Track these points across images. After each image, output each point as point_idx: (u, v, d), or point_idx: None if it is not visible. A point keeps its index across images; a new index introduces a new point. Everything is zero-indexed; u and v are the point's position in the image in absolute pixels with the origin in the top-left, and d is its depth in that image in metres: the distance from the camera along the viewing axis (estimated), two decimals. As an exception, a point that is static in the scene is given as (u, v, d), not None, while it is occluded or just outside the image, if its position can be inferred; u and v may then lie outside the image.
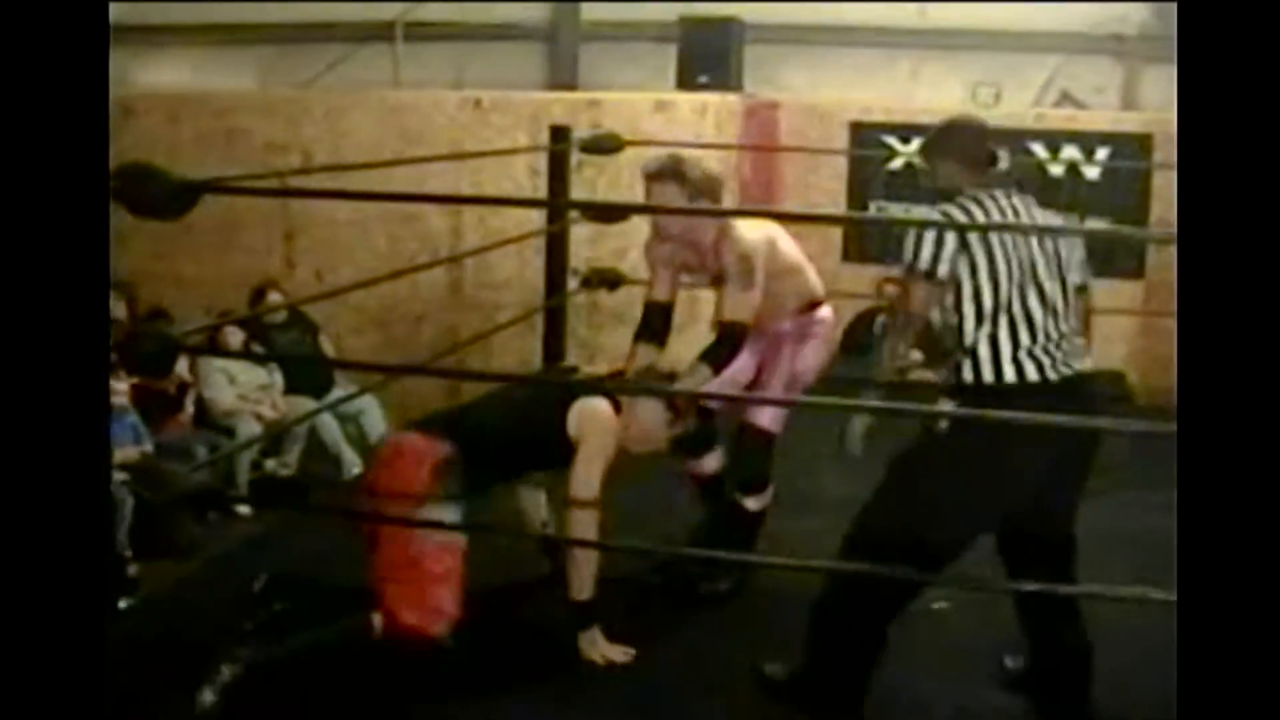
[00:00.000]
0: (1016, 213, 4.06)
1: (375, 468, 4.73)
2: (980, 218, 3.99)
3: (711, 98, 9.04)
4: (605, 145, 7.66)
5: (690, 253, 5.15)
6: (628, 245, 8.61)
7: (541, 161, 8.00)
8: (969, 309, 3.93)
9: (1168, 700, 2.39)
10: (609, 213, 7.33)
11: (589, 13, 11.23)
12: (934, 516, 3.89)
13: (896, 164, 9.74)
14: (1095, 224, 9.41)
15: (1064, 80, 10.61)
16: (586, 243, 8.30)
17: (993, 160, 4.12)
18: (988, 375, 3.93)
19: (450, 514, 4.47)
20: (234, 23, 11.75)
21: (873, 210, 9.80)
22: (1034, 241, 3.96)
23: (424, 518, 4.40)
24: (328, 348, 8.60)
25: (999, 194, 4.06)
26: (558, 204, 7.68)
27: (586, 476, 4.64)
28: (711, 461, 5.55)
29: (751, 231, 5.10)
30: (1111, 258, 9.49)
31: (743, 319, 5.01)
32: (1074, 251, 4.15)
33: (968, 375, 3.97)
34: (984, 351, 3.93)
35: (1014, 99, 10.26)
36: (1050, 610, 4.23)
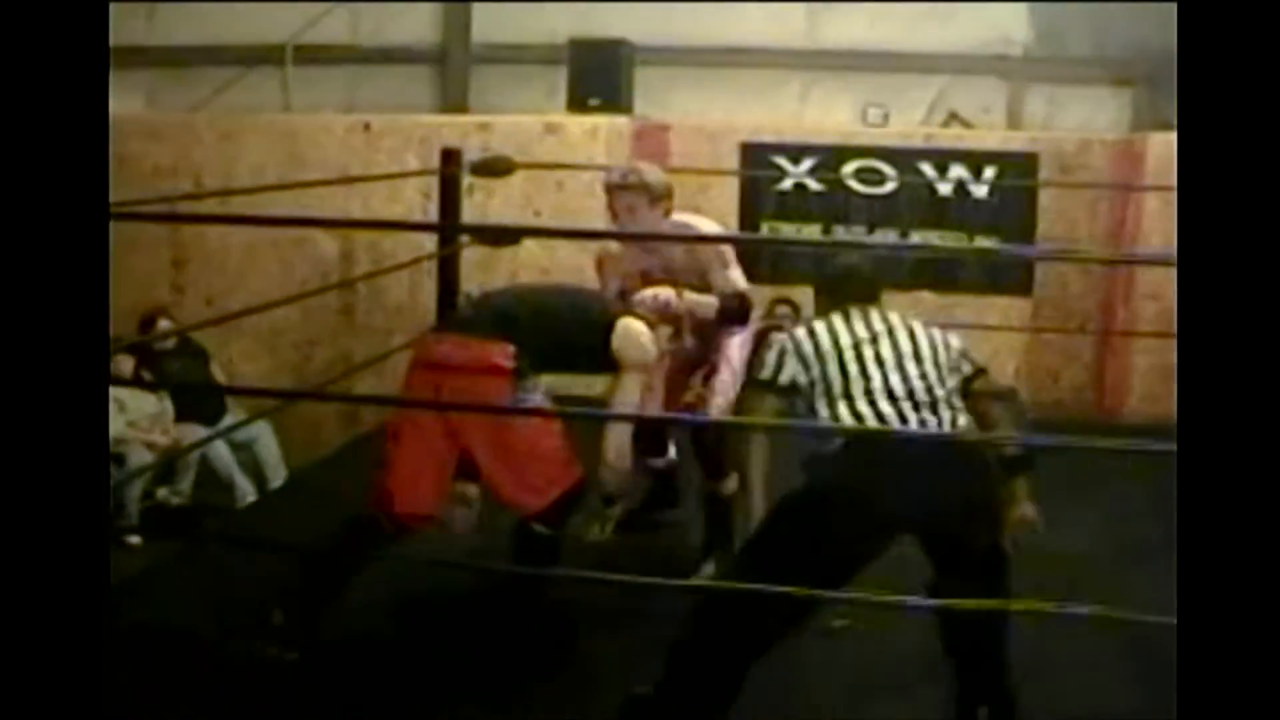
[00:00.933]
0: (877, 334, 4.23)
1: (441, 373, 4.73)
2: (825, 338, 4.21)
3: (602, 120, 9.07)
4: (496, 168, 7.67)
5: (654, 257, 5.30)
6: (519, 268, 8.62)
7: (432, 185, 7.99)
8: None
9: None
10: (501, 236, 7.33)
11: (479, 35, 11.20)
12: (813, 540, 3.97)
13: (787, 184, 9.81)
14: (984, 242, 9.52)
15: (951, 100, 10.74)
16: (478, 266, 8.29)
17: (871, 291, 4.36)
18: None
19: (539, 397, 4.72)
20: (122, 45, 11.61)
21: (764, 230, 9.84)
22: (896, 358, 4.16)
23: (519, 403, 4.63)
24: (219, 374, 8.54)
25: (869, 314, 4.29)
26: (449, 227, 7.67)
27: (626, 390, 4.81)
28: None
29: (705, 223, 5.52)
30: (1000, 275, 9.62)
31: (741, 289, 5.31)
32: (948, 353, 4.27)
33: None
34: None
35: (903, 119, 10.35)
36: (971, 626, 4.27)
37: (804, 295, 9.24)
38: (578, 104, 9.42)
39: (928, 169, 9.62)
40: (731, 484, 5.37)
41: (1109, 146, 9.37)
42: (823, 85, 10.82)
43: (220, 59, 11.34)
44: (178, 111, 11.07)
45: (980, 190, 9.57)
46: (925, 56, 10.66)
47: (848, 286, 4.36)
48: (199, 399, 8.15)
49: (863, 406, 4.07)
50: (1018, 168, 9.50)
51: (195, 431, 7.89)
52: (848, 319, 4.25)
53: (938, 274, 9.60)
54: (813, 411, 4.12)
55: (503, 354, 4.61)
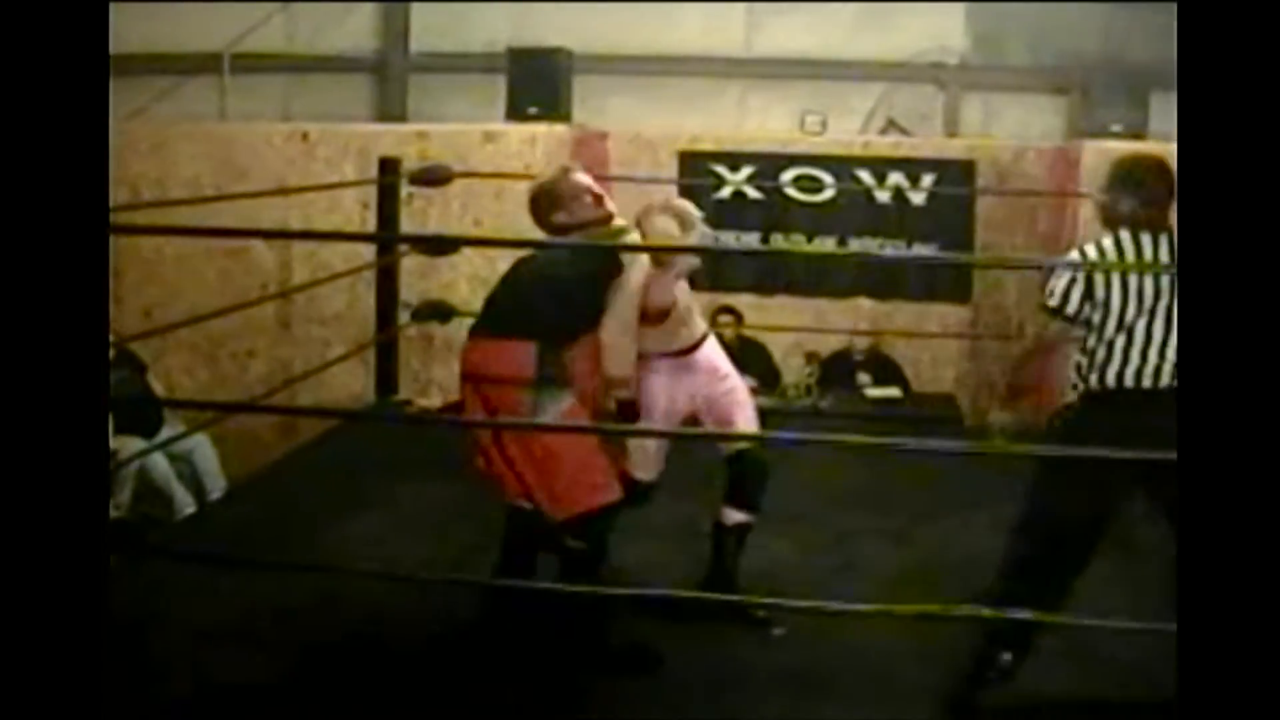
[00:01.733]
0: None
1: (477, 391, 4.67)
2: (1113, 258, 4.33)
3: (540, 128, 9.07)
4: (434, 177, 7.65)
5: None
6: (457, 278, 8.61)
7: (371, 194, 7.97)
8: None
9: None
10: (440, 245, 7.31)
11: (418, 44, 11.18)
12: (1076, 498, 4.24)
13: (725, 192, 9.82)
14: (922, 250, 9.55)
15: (889, 108, 10.80)
16: (417, 275, 8.28)
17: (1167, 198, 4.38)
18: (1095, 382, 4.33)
19: (566, 401, 4.58)
20: (55, 55, 11.54)
21: (702, 238, 9.84)
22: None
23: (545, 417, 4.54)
24: (157, 386, 8.47)
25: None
26: (388, 237, 7.65)
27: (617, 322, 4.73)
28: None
29: None
30: (939, 283, 9.66)
31: None
32: None
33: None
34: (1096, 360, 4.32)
35: (841, 127, 10.39)
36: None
37: (745, 303, 9.29)
38: (516, 113, 9.40)
39: (866, 176, 9.65)
40: (744, 515, 5.22)
41: (1045, 154, 9.44)
42: (761, 93, 10.86)
43: (156, 67, 11.26)
44: (114, 120, 10.98)
45: (918, 197, 9.60)
46: (863, 65, 10.72)
47: (1139, 211, 4.41)
48: (137, 411, 8.07)
49: (1138, 339, 4.21)
50: (955, 175, 9.54)
51: (133, 444, 7.82)
52: (1137, 244, 4.35)
53: (877, 282, 9.63)
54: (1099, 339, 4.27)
55: (524, 358, 4.54)
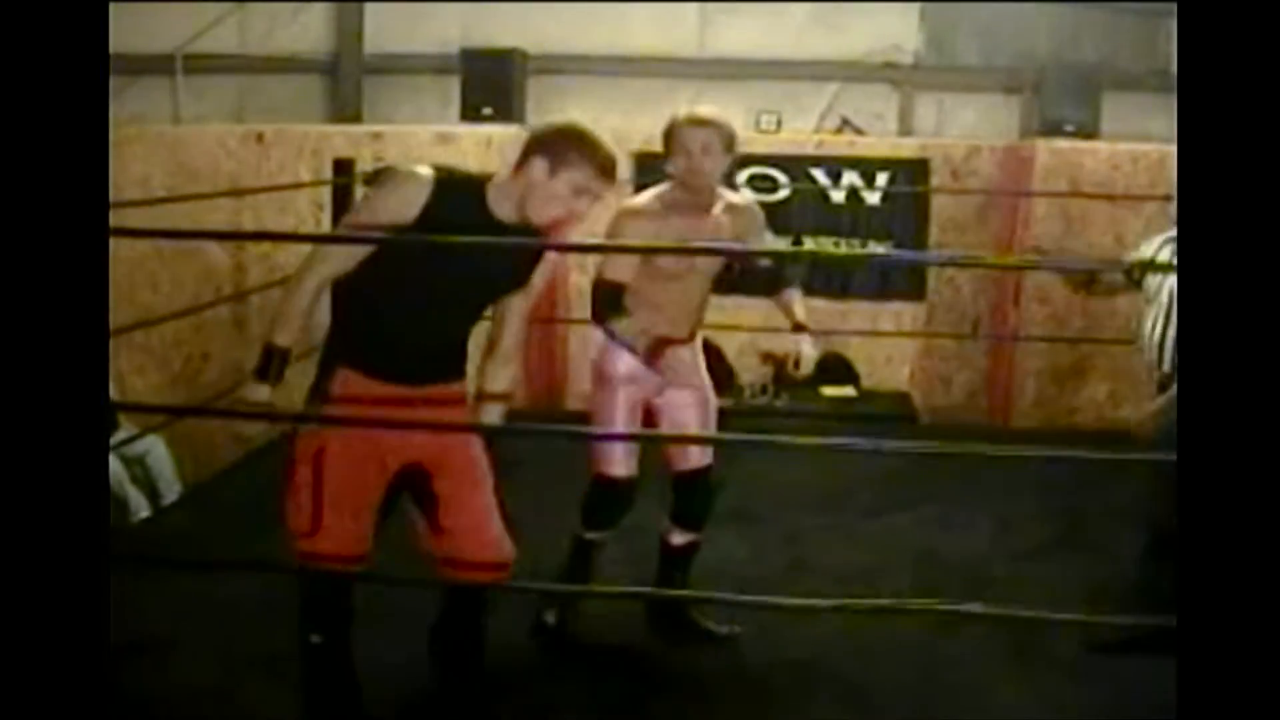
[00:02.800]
0: None
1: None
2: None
3: (495, 129, 9.06)
4: (389, 179, 7.63)
5: (696, 220, 4.93)
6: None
7: (325, 195, 7.95)
8: None
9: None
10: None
11: (372, 45, 11.16)
12: None
13: (680, 192, 9.82)
14: (877, 248, 9.57)
15: (843, 107, 10.84)
16: (372, 277, 8.26)
17: None
18: None
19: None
20: (5, 56, 11.48)
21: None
22: None
23: None
24: (110, 389, 8.42)
25: None
26: (342, 238, 7.63)
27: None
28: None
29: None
30: (893, 281, 9.70)
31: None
32: None
33: None
34: None
35: (795, 126, 10.42)
36: None
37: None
38: (470, 113, 9.41)
39: (821, 176, 9.67)
40: (691, 536, 5.12)
41: (998, 152, 9.48)
42: (715, 93, 10.84)
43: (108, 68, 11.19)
44: (65, 122, 10.93)
45: (873, 196, 9.63)
46: (817, 64, 10.76)
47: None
48: (89, 414, 8.03)
49: None
50: (909, 174, 9.57)
51: (86, 447, 7.77)
52: None
53: (831, 279, 9.65)
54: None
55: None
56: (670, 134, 4.86)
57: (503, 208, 3.88)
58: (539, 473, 6.16)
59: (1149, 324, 4.81)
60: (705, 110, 4.89)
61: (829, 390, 9.11)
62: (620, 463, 4.89)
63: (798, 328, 4.92)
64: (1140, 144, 9.25)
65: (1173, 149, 9.08)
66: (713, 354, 9.02)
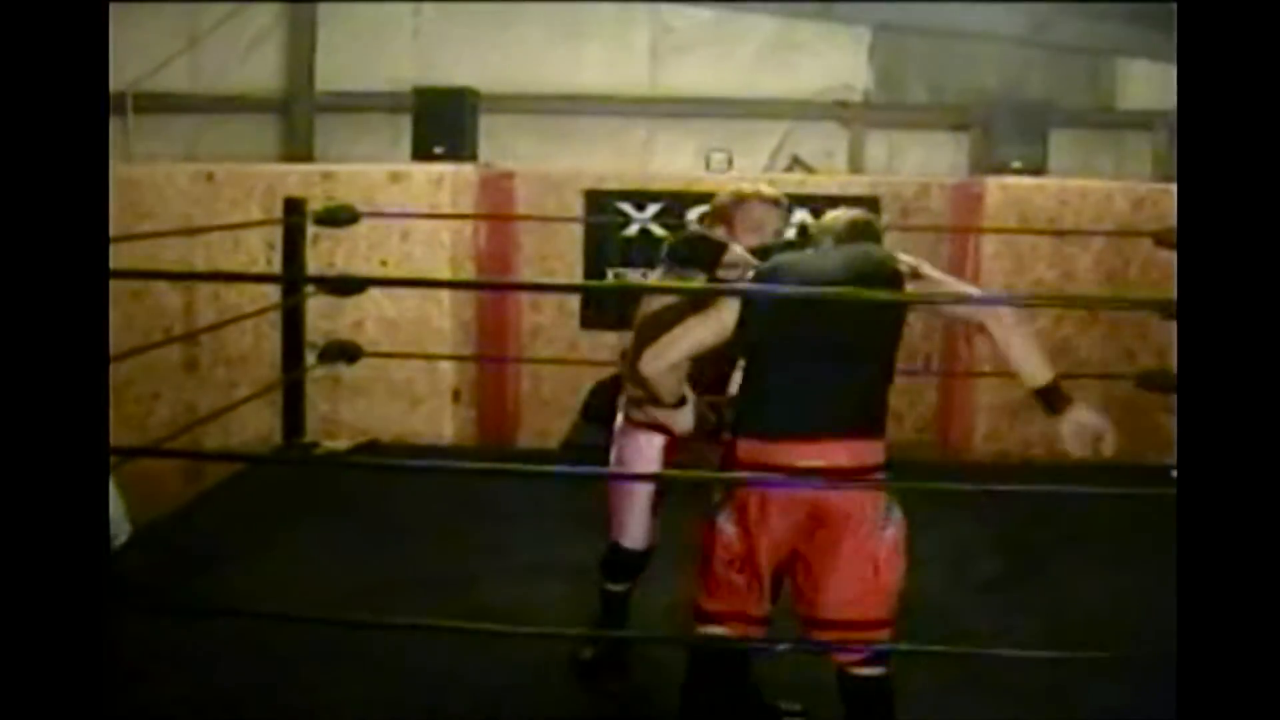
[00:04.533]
0: None
1: None
2: None
3: (446, 168, 9.05)
4: (340, 217, 7.64)
5: None
6: (364, 318, 8.58)
7: (276, 234, 7.93)
8: None
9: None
10: (346, 286, 7.28)
11: (323, 83, 11.14)
12: None
13: (632, 230, 9.84)
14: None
15: (794, 145, 10.89)
16: (323, 316, 8.24)
17: None
18: None
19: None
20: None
21: (610, 277, 9.86)
22: None
23: None
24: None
25: None
26: (294, 278, 7.61)
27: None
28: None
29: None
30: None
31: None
32: None
33: None
34: None
35: (746, 164, 10.45)
36: None
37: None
38: (422, 152, 9.40)
39: (772, 214, 9.68)
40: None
41: (948, 189, 9.53)
42: (666, 132, 10.93)
43: (57, 108, 11.15)
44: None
45: (824, 234, 9.64)
46: (767, 103, 10.83)
47: None
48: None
49: None
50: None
51: (35, 488, 7.72)
52: None
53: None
54: None
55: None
56: (740, 207, 4.79)
57: None
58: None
59: None
60: (777, 191, 4.87)
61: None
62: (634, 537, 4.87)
63: None
64: (1087, 180, 9.34)
65: (1119, 184, 9.20)
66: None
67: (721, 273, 4.44)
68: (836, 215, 4.37)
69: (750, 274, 4.26)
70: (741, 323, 3.83)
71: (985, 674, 4.87)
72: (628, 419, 4.78)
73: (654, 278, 4.67)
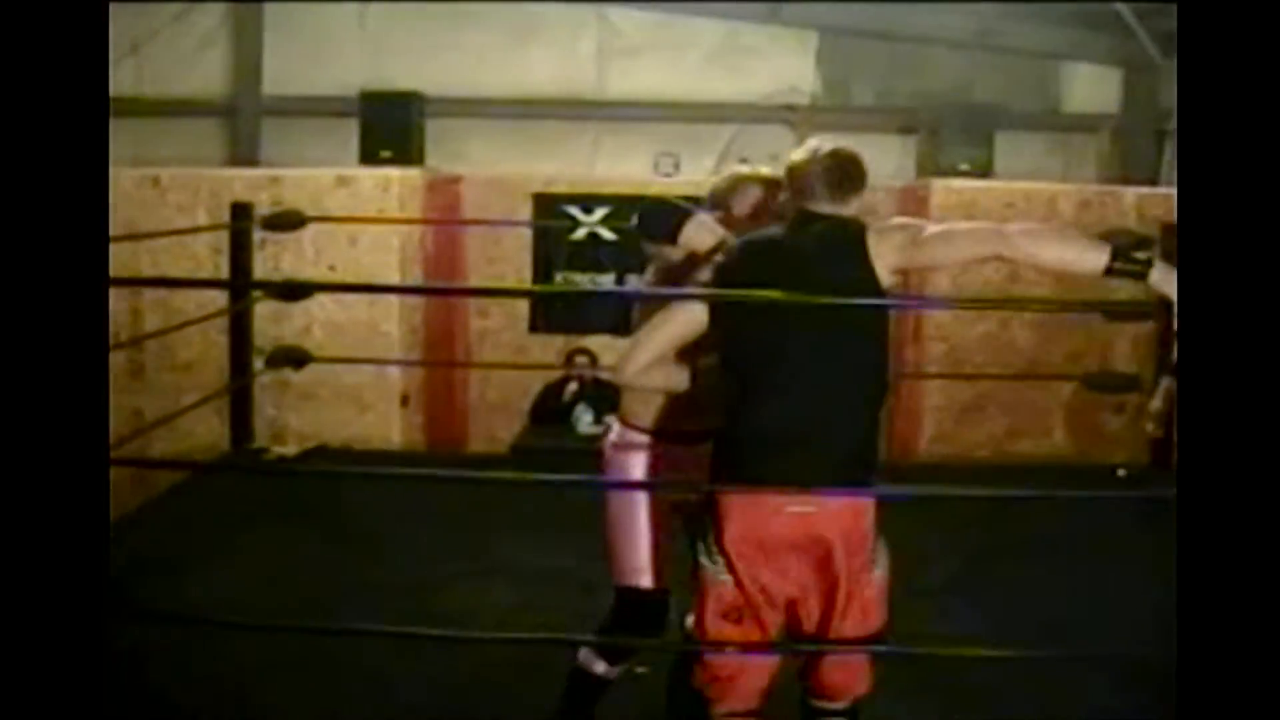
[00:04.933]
0: None
1: None
2: None
3: (394, 172, 9.03)
4: (287, 222, 7.61)
5: None
6: (311, 323, 8.55)
7: (223, 239, 7.90)
8: None
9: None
10: (293, 291, 7.26)
11: (270, 87, 11.08)
12: None
13: (580, 234, 9.86)
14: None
15: (741, 149, 10.90)
16: (271, 321, 8.21)
17: None
18: None
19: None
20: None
21: (558, 280, 9.86)
22: None
23: None
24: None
25: None
26: (241, 284, 7.58)
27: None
28: None
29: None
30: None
31: None
32: None
33: None
34: None
35: (694, 167, 10.46)
36: None
37: (600, 344, 9.31)
38: (369, 156, 9.38)
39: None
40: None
41: (895, 192, 9.57)
42: (615, 136, 10.92)
43: (2, 113, 11.06)
44: (-43, 168, 10.77)
45: (773, 235, 9.67)
46: (714, 106, 10.85)
47: None
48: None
49: None
50: (807, 214, 9.62)
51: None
52: None
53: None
54: None
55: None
56: (736, 191, 4.50)
57: None
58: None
59: None
60: (775, 172, 4.43)
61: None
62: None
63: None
64: (1033, 182, 9.40)
65: (1065, 186, 9.26)
66: (611, 394, 9.04)
67: (703, 255, 4.17)
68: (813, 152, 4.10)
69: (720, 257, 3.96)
70: (714, 312, 3.65)
71: (934, 676, 4.89)
72: (625, 422, 4.27)
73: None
